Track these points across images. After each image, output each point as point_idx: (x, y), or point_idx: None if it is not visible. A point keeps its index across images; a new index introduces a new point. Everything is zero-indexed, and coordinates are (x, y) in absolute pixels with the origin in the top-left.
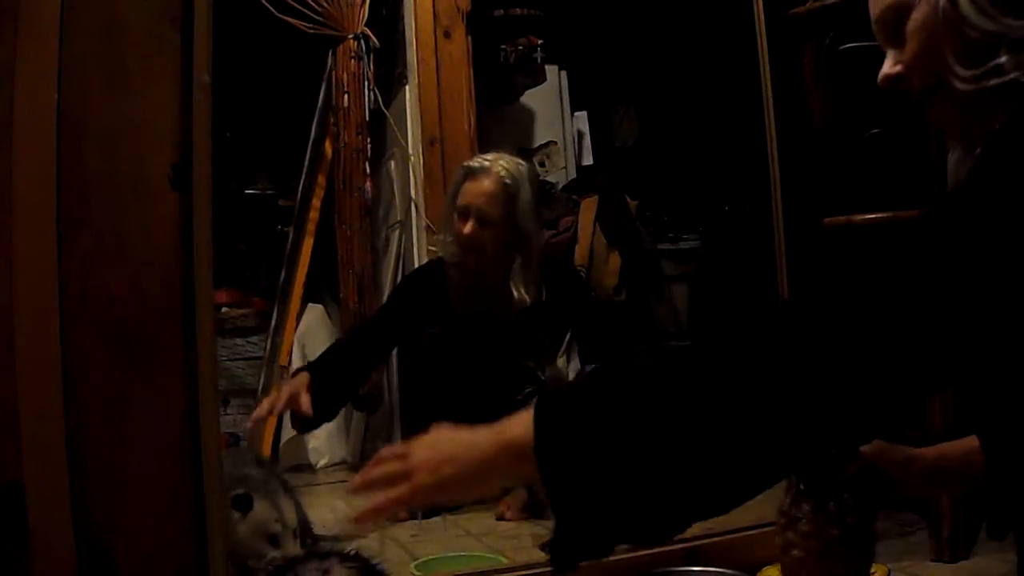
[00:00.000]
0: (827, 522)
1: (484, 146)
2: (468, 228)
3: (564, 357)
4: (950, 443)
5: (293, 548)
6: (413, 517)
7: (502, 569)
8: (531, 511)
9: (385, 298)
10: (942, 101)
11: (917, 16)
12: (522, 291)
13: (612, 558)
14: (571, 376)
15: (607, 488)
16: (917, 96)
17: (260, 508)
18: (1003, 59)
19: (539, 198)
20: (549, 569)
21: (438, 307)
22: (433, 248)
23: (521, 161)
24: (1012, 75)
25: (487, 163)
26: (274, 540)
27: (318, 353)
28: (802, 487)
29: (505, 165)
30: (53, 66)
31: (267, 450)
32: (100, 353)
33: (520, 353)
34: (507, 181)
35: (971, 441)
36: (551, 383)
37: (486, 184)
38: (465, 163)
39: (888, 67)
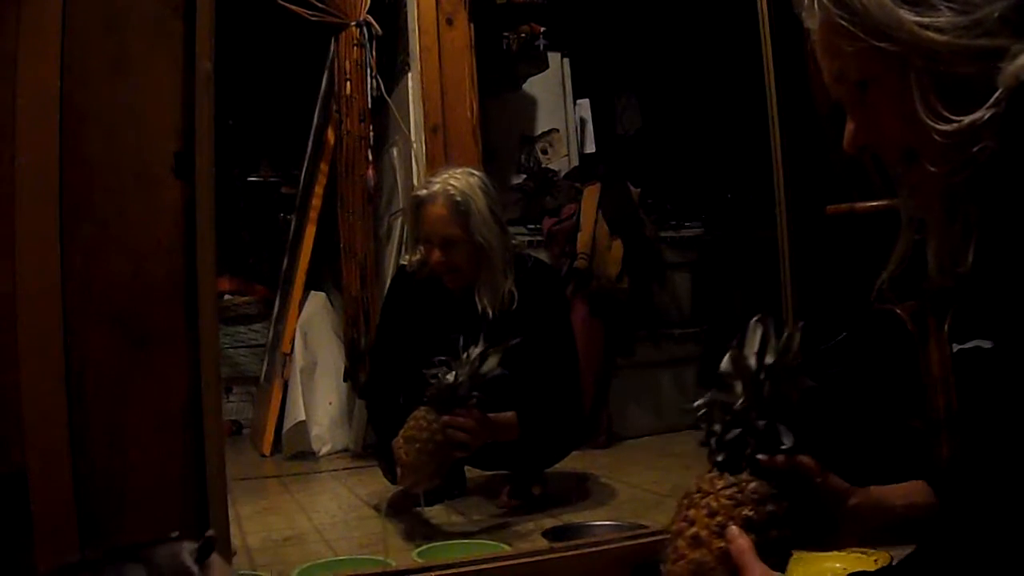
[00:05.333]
0: (739, 503)
1: (486, 133)
2: (437, 256)
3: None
4: (891, 486)
5: None
6: (416, 505)
7: (503, 556)
8: (515, 495)
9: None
10: (918, 171)
11: (878, 103)
12: (485, 303)
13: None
14: None
15: None
16: (889, 164)
17: None
18: (979, 147)
19: (496, 204)
20: (549, 556)
21: (420, 314)
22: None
23: (472, 171)
24: (987, 156)
25: (436, 187)
26: None
27: (320, 342)
28: (719, 459)
29: (453, 184)
30: (55, 54)
31: (270, 439)
32: (103, 341)
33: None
34: (457, 199)
35: (912, 486)
36: None
37: (438, 209)
38: (413, 193)
39: (853, 136)
